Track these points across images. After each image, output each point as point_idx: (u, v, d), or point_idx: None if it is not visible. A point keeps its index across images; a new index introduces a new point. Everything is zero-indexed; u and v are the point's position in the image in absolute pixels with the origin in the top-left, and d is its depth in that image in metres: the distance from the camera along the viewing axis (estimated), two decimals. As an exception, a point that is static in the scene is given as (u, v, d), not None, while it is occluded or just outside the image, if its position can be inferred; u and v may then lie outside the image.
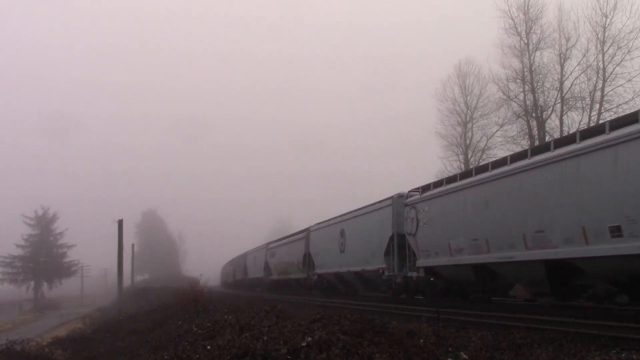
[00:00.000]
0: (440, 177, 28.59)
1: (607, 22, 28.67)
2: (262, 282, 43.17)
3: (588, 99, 29.45)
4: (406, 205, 19.58)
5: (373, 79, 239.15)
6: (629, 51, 27.84)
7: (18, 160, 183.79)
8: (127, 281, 50.94)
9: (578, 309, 12.69)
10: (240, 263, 54.34)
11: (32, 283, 72.42)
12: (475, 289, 16.66)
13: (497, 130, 34.91)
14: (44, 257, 72.40)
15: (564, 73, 30.57)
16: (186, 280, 27.90)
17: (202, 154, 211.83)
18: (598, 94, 29.01)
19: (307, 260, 30.60)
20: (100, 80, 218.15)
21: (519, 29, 32.15)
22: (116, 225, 34.91)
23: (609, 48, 28.61)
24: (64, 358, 16.75)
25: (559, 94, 30.72)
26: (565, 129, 29.88)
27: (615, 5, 28.44)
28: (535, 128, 31.61)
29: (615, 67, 28.34)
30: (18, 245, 71.97)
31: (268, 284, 41.21)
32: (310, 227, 31.32)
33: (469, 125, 37.20)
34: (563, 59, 30.50)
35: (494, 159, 20.11)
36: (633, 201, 10.21)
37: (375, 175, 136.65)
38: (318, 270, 28.94)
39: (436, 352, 7.28)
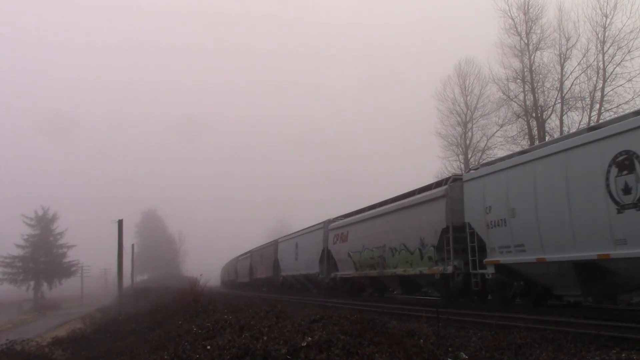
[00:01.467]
0: (440, 178, 28.59)
1: (607, 22, 28.70)
2: (313, 281, 29.25)
3: (588, 99, 29.49)
4: None
5: (373, 79, 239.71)
6: (629, 51, 27.86)
7: (18, 160, 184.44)
8: (127, 281, 50.98)
9: (578, 309, 12.68)
10: (264, 256, 41.09)
11: (32, 283, 72.43)
12: None
13: (497, 130, 35.03)
14: (44, 257, 72.45)
15: (564, 73, 30.61)
16: (186, 280, 27.90)
17: (202, 153, 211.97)
18: (598, 94, 29.03)
19: (448, 242, 16.16)
20: (100, 80, 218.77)
21: (519, 29, 32.22)
22: (116, 225, 34.94)
23: (609, 48, 28.63)
24: (64, 358, 16.74)
25: (559, 94, 30.74)
26: (565, 129, 29.90)
27: (615, 5, 28.48)
28: (535, 128, 31.61)
29: (615, 67, 28.37)
30: (18, 245, 72.05)
31: (328, 285, 26.64)
32: (462, 174, 17.34)
33: (469, 125, 37.27)
34: (563, 59, 30.53)
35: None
36: None
37: (375, 175, 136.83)
38: (504, 259, 13.85)
39: (436, 352, 7.28)
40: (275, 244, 37.89)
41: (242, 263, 51.65)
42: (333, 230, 26.39)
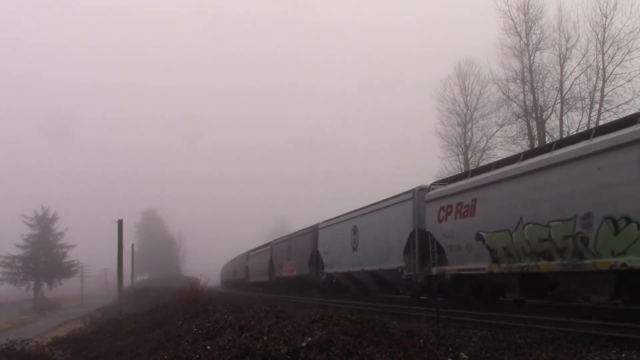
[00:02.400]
0: (441, 178, 28.53)
1: (607, 22, 28.74)
2: (389, 281, 20.66)
3: (588, 99, 29.52)
4: None
5: (373, 79, 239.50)
6: (629, 51, 27.90)
7: (18, 160, 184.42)
8: (127, 281, 50.94)
9: (578, 309, 12.69)
10: (294, 248, 32.53)
11: (32, 283, 72.39)
12: None
13: (497, 131, 35.05)
14: (44, 257, 72.38)
15: (563, 73, 30.65)
16: (186, 280, 27.87)
17: (202, 153, 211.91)
18: (598, 94, 29.05)
19: None
20: (100, 80, 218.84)
21: (518, 29, 32.26)
22: (116, 225, 34.90)
23: (608, 48, 28.67)
24: (64, 358, 16.74)
25: (559, 94, 30.76)
26: (565, 129, 29.96)
27: (615, 5, 28.52)
28: (535, 128, 31.63)
29: (615, 67, 28.40)
30: (18, 245, 72.00)
31: (421, 286, 18.25)
32: None
33: (469, 126, 37.30)
34: (563, 59, 30.57)
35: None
36: None
37: (375, 175, 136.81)
38: None
39: (436, 352, 7.29)
40: (313, 231, 29.20)
41: (257, 258, 42.62)
42: (436, 200, 17.05)
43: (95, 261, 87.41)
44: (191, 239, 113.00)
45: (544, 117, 31.37)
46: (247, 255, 48.23)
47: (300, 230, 33.16)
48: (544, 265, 12.62)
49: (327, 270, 26.40)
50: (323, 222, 28.38)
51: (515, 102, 32.72)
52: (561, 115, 30.63)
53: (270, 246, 39.36)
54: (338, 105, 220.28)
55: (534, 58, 31.73)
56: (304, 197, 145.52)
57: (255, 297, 25.08)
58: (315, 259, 28.21)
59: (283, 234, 42.08)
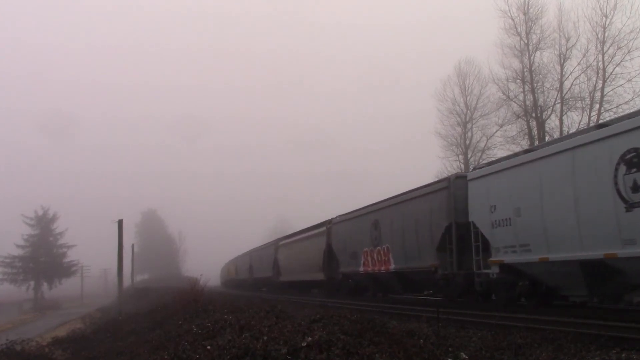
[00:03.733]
0: (440, 177, 28.55)
1: (607, 22, 28.77)
2: None
3: (588, 99, 29.56)
4: None
5: (373, 79, 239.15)
6: (629, 51, 27.92)
7: (18, 160, 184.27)
8: (127, 281, 50.94)
9: (578, 309, 12.68)
10: (391, 224, 19.18)
11: (32, 283, 72.37)
12: None
13: (497, 131, 35.11)
14: (44, 257, 72.35)
15: (563, 73, 30.67)
16: (186, 280, 27.85)
17: (202, 153, 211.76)
18: (598, 94, 29.08)
19: None
20: (100, 80, 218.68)
21: (519, 29, 32.29)
22: (116, 225, 34.91)
23: (609, 48, 28.70)
24: (64, 358, 16.75)
25: (559, 94, 30.78)
26: (565, 129, 29.94)
27: (615, 5, 28.55)
28: (535, 128, 31.65)
29: (615, 67, 28.44)
30: (18, 245, 71.96)
31: None
32: None
33: (469, 126, 37.34)
34: (563, 59, 30.59)
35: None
36: None
37: (375, 175, 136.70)
38: None
39: (436, 352, 7.28)
40: (442, 190, 16.43)
41: (299, 248, 30.68)
42: None
43: (95, 261, 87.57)
44: (191, 239, 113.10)
45: (544, 117, 31.39)
46: (276, 245, 36.85)
47: (403, 194, 19.08)
48: None
49: (507, 258, 13.51)
50: (475, 170, 16.36)
51: (515, 102, 32.78)
52: (561, 115, 30.66)
53: (327, 227, 26.30)
54: (338, 105, 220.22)
55: (534, 58, 31.81)
56: (304, 197, 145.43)
57: (256, 297, 25.06)
58: (454, 241, 15.76)
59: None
